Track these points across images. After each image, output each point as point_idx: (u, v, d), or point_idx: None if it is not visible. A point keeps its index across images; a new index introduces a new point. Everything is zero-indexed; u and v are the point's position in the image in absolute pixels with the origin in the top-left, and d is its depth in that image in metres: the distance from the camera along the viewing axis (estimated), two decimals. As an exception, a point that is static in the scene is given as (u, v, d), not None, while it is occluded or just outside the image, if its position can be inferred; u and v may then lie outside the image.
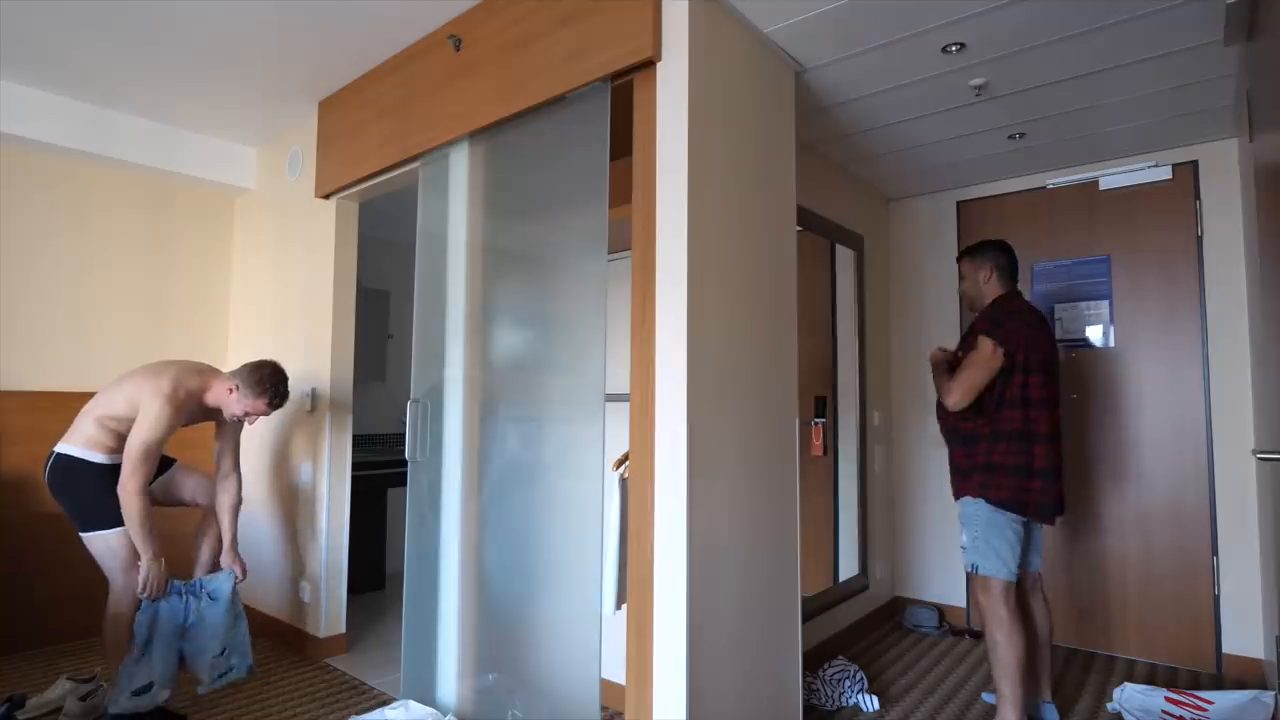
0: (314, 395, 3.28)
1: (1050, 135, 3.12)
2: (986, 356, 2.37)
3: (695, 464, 1.91)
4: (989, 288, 2.57)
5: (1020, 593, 2.52)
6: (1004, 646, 2.33)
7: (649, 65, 2.01)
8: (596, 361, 2.09)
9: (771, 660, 2.22)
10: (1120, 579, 3.31)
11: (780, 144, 2.39)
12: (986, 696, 2.77)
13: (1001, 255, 2.58)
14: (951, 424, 2.52)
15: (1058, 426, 2.43)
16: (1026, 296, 3.55)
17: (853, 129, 3.07)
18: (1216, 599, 3.09)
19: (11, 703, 2.46)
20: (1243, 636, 3.02)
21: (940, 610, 3.72)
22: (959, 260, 2.69)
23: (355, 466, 3.86)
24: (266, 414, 2.61)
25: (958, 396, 2.39)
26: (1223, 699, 2.54)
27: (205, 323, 3.86)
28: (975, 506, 2.41)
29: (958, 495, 2.49)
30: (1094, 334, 3.43)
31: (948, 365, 2.53)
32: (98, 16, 2.54)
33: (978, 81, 2.61)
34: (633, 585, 1.98)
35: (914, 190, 3.94)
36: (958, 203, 3.88)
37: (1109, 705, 2.70)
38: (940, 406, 2.53)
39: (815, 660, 2.98)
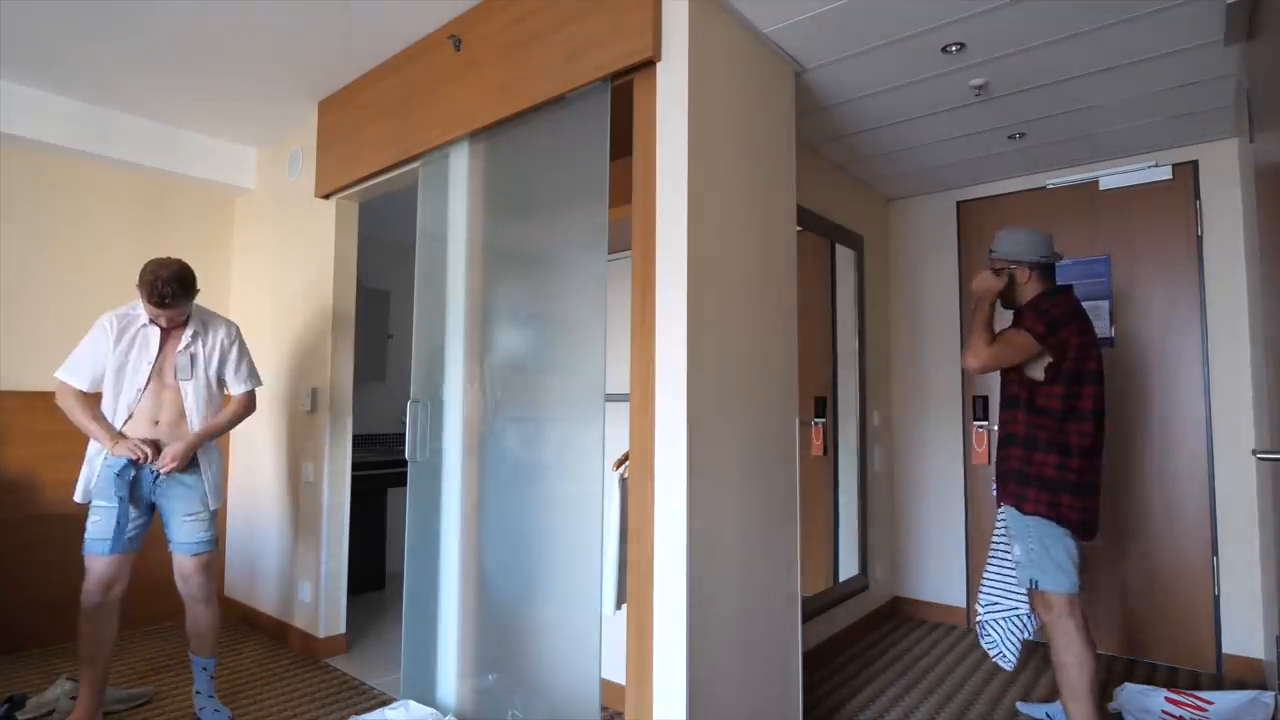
0: (314, 395, 3.28)
1: (1050, 135, 3.12)
2: (1023, 342, 2.23)
3: (695, 464, 1.91)
4: (1029, 287, 2.37)
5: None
6: (1073, 669, 2.18)
7: (649, 65, 2.01)
8: (596, 361, 2.09)
9: (771, 660, 2.22)
10: (1120, 579, 3.31)
11: (780, 144, 2.39)
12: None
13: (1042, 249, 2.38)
14: (1011, 428, 2.34)
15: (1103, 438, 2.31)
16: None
17: (853, 129, 3.07)
18: (1216, 599, 3.09)
19: (11, 703, 2.46)
20: (1243, 636, 3.02)
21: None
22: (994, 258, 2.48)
23: (355, 466, 3.86)
24: (161, 316, 2.37)
25: (982, 362, 2.26)
26: (1223, 699, 2.54)
27: (205, 323, 3.85)
28: (1026, 520, 2.26)
29: (1002, 500, 2.34)
30: (1094, 334, 3.43)
31: (990, 303, 2.35)
32: (98, 16, 2.54)
33: (978, 81, 2.61)
34: (633, 585, 1.98)
35: (914, 190, 3.94)
36: (958, 203, 3.88)
37: (1109, 705, 2.69)
38: (1024, 394, 2.32)
39: (816, 660, 2.98)
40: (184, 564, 2.46)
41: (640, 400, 1.99)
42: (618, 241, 2.45)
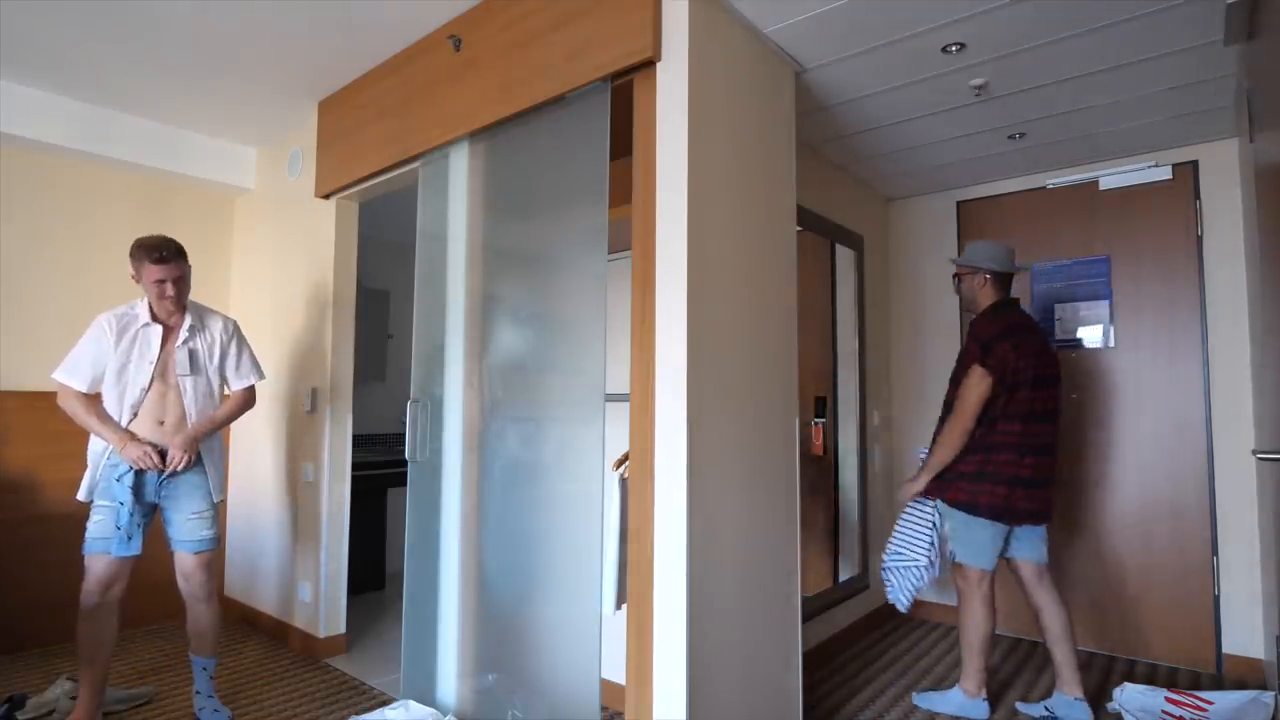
0: (314, 395, 3.28)
1: (1050, 135, 3.12)
2: (974, 382, 2.52)
3: (695, 464, 1.91)
4: (984, 293, 2.67)
5: (1025, 583, 2.64)
6: (973, 627, 2.59)
7: (649, 65, 2.01)
8: (596, 361, 2.09)
9: (771, 660, 2.22)
10: (1120, 579, 3.31)
11: (780, 144, 2.39)
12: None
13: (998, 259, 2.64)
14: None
15: (1053, 437, 2.56)
16: (1026, 298, 3.57)
17: (853, 129, 3.07)
18: (1216, 599, 3.08)
19: (11, 703, 2.46)
20: (1243, 636, 3.02)
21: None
22: (956, 264, 2.77)
23: (355, 466, 3.85)
24: (159, 276, 2.34)
25: (964, 424, 2.53)
26: (1223, 699, 2.54)
27: (205, 323, 3.86)
28: (964, 516, 2.57)
29: (932, 496, 2.66)
30: (1094, 334, 3.43)
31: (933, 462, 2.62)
32: (98, 16, 2.54)
33: (978, 81, 2.61)
34: (633, 585, 1.98)
35: (914, 190, 3.94)
36: (958, 203, 3.88)
37: (1109, 705, 2.70)
38: (950, 414, 2.62)
39: (816, 660, 2.97)
40: (186, 562, 2.46)
41: (640, 400, 1.99)
42: (618, 241, 2.44)
